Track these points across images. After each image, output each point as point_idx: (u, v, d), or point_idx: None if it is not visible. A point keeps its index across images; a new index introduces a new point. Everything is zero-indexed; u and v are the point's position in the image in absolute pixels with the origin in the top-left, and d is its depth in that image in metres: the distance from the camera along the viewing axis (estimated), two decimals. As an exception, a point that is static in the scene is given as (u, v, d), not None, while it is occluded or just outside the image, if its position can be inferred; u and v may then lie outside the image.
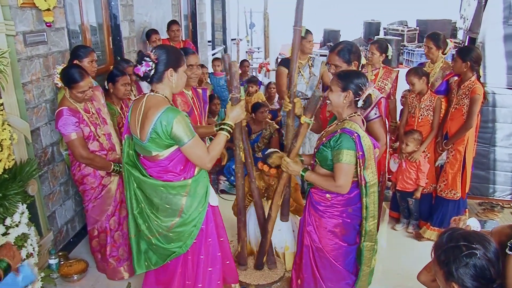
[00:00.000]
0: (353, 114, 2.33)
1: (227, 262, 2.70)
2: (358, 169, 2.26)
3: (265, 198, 3.32)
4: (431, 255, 1.58)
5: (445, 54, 3.84)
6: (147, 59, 2.11)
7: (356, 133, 2.22)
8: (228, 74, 2.47)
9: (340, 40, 3.12)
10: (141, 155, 2.31)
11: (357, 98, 2.26)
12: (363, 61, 2.73)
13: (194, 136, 2.14)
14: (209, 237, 2.47)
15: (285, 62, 4.01)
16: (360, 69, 2.86)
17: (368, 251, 2.42)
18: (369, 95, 2.27)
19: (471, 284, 1.43)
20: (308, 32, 4.00)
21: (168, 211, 2.29)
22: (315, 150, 2.44)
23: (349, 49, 2.67)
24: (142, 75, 2.13)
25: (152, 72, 2.12)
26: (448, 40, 3.80)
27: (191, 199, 2.29)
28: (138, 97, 2.32)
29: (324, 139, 2.36)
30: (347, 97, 2.28)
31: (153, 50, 2.16)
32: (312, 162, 2.53)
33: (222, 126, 2.33)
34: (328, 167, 2.35)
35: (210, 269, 2.51)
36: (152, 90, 2.21)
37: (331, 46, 2.74)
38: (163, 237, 2.35)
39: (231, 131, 2.36)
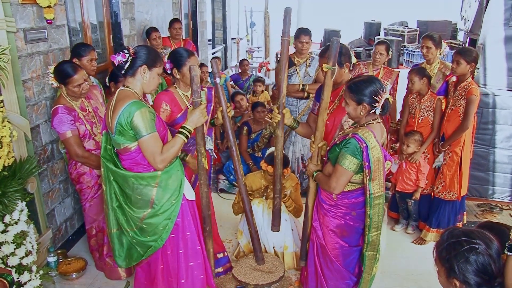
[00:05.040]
0: (372, 122, 2.26)
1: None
2: (364, 179, 2.25)
3: (264, 197, 3.32)
4: (433, 253, 1.57)
5: (441, 54, 3.85)
6: (125, 51, 2.20)
7: (365, 143, 2.17)
8: (214, 77, 2.48)
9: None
10: (115, 148, 2.34)
11: (374, 106, 2.20)
12: (354, 60, 2.68)
13: (153, 132, 2.18)
14: (187, 231, 2.47)
15: None
16: (351, 69, 2.78)
17: (369, 260, 2.42)
18: (387, 100, 2.20)
19: (473, 280, 1.42)
20: (301, 32, 3.99)
21: (140, 202, 2.32)
22: (329, 148, 2.44)
23: (339, 51, 2.54)
24: (116, 64, 2.20)
25: (127, 65, 2.20)
26: (442, 41, 3.81)
27: (162, 191, 2.31)
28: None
29: (337, 139, 2.36)
30: (363, 109, 2.22)
31: (135, 47, 2.25)
32: (325, 159, 2.52)
33: (181, 130, 2.31)
34: None
35: (191, 263, 2.51)
36: (124, 85, 2.27)
37: (321, 50, 2.68)
38: (139, 229, 2.37)
39: (189, 135, 2.32)
